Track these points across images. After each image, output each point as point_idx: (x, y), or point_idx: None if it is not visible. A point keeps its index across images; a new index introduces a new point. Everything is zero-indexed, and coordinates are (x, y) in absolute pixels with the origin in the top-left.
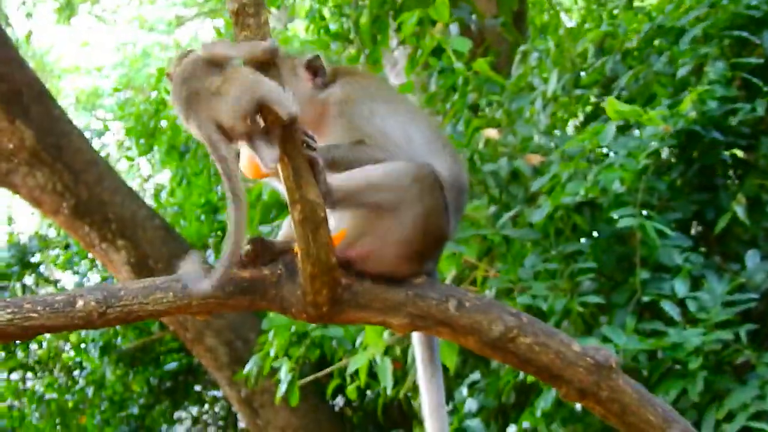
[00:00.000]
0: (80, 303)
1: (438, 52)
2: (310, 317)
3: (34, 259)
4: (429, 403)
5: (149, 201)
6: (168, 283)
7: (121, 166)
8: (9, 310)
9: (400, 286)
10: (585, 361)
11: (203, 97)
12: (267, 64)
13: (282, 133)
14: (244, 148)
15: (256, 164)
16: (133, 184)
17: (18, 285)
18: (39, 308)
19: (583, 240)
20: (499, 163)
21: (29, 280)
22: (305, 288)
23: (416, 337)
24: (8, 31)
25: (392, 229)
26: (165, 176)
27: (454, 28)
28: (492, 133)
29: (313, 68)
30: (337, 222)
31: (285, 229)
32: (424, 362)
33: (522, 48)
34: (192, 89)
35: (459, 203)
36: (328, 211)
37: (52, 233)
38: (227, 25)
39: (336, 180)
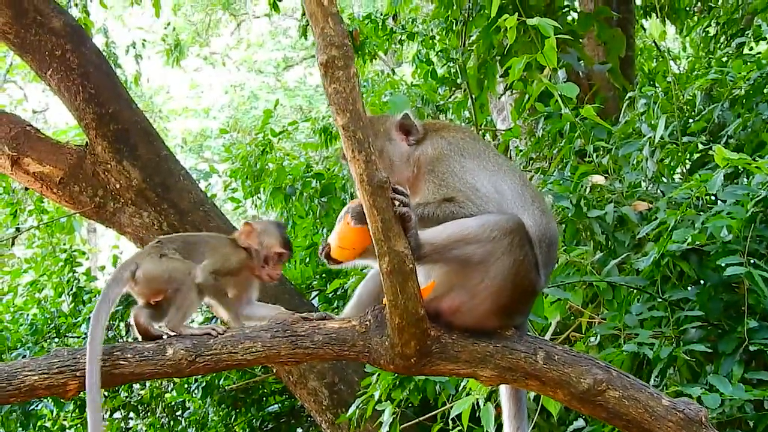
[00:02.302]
0: (170, 351)
1: (545, 97)
2: (398, 368)
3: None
4: None
5: None
6: (257, 332)
7: (227, 208)
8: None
9: (489, 339)
10: (675, 415)
11: None
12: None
13: (371, 187)
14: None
15: (346, 247)
16: (239, 225)
17: (122, 324)
18: (129, 356)
19: (689, 287)
20: (605, 209)
21: None
22: (393, 339)
23: (503, 390)
24: (117, 72)
25: (481, 283)
26: (271, 218)
27: (561, 73)
28: (599, 179)
29: (405, 128)
30: (426, 274)
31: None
32: (510, 416)
33: (630, 94)
34: None
35: (549, 256)
36: (417, 264)
37: None
38: None
39: (426, 234)
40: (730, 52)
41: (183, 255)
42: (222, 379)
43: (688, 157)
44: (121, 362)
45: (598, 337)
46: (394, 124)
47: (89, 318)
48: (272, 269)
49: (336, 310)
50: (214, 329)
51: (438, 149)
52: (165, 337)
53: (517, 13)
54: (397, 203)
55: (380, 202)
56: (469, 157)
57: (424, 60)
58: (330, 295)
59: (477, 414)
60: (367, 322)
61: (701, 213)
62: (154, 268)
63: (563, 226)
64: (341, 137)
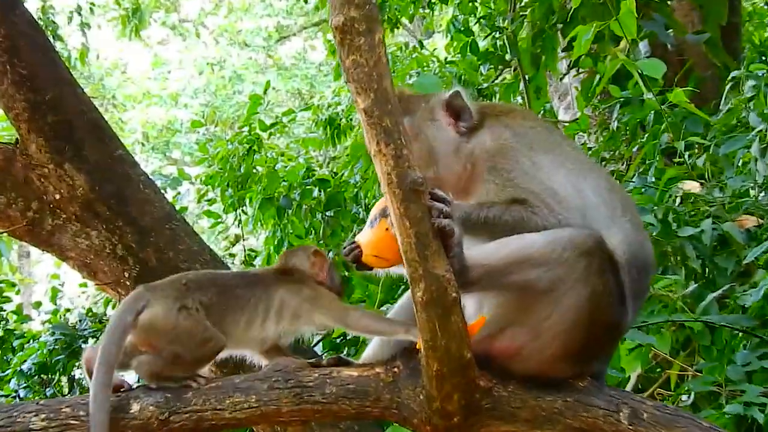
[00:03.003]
0: (135, 407)
1: (622, 78)
2: (436, 430)
3: (87, 345)
4: None
5: (238, 269)
6: (249, 382)
7: (201, 225)
8: (43, 416)
9: (557, 391)
10: None
11: None
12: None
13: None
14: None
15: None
16: (218, 247)
17: (65, 380)
18: (81, 413)
19: None
20: (701, 226)
21: (79, 372)
22: (430, 391)
23: None
24: (57, 46)
25: (548, 317)
26: (259, 238)
27: (643, 46)
28: (693, 186)
29: (455, 109)
30: (476, 306)
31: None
32: None
33: (734, 74)
34: None
35: (640, 285)
36: (462, 292)
37: (110, 311)
38: None
39: (476, 253)
40: None
41: (210, 311)
42: None
43: None
44: (72, 422)
45: (692, 395)
46: (440, 103)
47: (20, 371)
48: None
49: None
50: (194, 378)
51: (500, 140)
52: (126, 386)
53: None
54: (435, 212)
55: (413, 210)
56: (542, 151)
57: (462, 29)
58: (338, 340)
59: None
60: (396, 369)
61: None
62: (164, 318)
63: None
64: (363, 125)
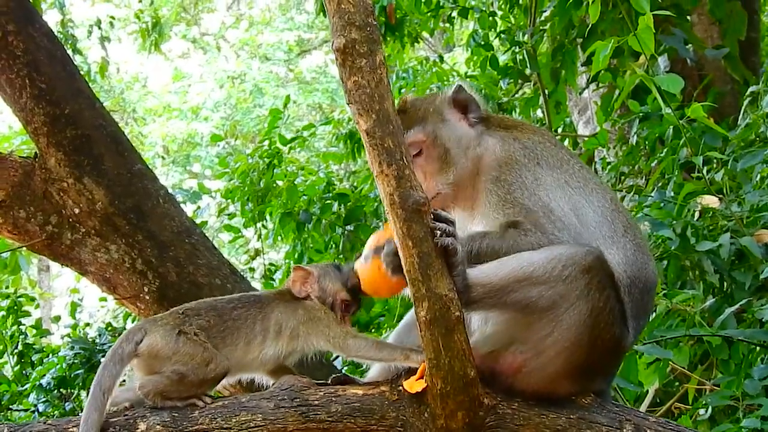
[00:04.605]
0: (142, 426)
1: (641, 93)
2: None
3: None
4: None
5: (258, 285)
6: (256, 401)
7: (222, 239)
8: None
9: (561, 408)
10: None
11: None
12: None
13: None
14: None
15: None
16: (238, 262)
17: (84, 394)
18: None
19: None
20: (719, 241)
21: None
22: (434, 409)
23: None
24: (77, 60)
25: (550, 335)
26: (280, 252)
27: (662, 61)
28: (711, 200)
29: (461, 102)
30: (479, 324)
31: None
32: None
33: (752, 88)
34: None
35: (642, 305)
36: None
37: (129, 325)
38: None
39: (478, 271)
40: None
41: (210, 335)
42: None
43: None
44: None
45: (710, 410)
46: (446, 101)
47: (40, 385)
48: None
49: (362, 373)
50: (200, 397)
51: (508, 152)
52: (127, 406)
53: None
54: (438, 232)
55: (416, 230)
56: (547, 168)
57: (482, 44)
58: None
59: None
60: (401, 388)
61: None
62: (164, 344)
63: (664, 262)
64: (365, 146)
